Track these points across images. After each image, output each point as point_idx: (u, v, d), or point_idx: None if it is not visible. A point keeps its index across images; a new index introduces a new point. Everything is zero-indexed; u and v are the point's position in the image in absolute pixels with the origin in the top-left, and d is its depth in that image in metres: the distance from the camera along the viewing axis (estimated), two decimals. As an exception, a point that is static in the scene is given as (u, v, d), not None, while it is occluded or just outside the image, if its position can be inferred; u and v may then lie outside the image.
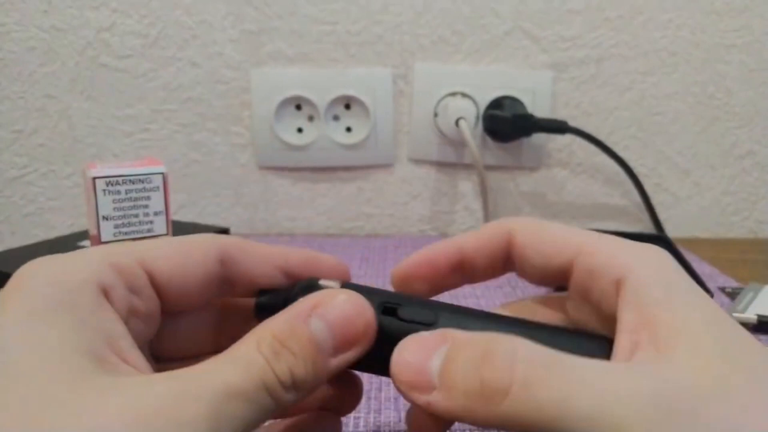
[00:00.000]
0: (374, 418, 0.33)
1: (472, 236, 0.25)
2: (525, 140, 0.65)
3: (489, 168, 0.66)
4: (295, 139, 0.64)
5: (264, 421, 0.19)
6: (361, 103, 0.64)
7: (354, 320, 0.20)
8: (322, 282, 0.23)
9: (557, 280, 0.23)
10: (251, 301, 0.24)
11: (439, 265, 0.24)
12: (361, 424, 0.33)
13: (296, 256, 0.24)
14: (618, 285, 0.20)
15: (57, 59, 0.63)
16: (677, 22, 0.64)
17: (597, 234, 0.23)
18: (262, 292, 0.24)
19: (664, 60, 0.65)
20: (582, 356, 0.18)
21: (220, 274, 0.22)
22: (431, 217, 0.69)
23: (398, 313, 0.22)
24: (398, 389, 0.20)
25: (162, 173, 0.43)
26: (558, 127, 0.61)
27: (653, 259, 0.21)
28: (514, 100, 0.63)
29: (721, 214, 0.69)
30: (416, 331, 0.21)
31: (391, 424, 0.33)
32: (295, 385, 0.19)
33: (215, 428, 0.16)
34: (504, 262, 0.25)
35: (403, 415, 0.33)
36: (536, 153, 0.66)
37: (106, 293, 0.19)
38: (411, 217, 0.69)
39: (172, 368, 0.19)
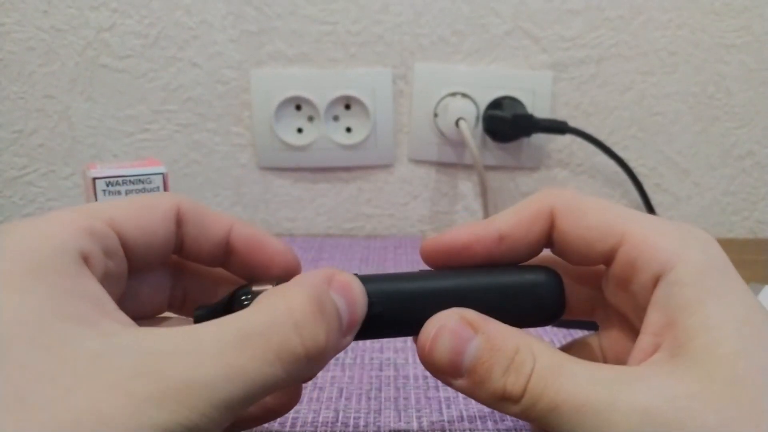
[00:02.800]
0: (374, 418, 0.33)
1: (513, 219, 0.24)
2: (525, 140, 0.65)
3: (489, 168, 0.66)
4: (295, 139, 0.64)
5: (266, 392, 0.18)
6: (361, 104, 0.64)
7: (361, 302, 0.22)
8: (254, 288, 0.23)
9: (596, 264, 0.23)
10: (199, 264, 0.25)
11: (473, 249, 0.24)
12: (361, 424, 0.33)
13: (243, 231, 0.24)
14: (656, 280, 0.20)
15: (57, 59, 0.63)
16: (677, 22, 0.64)
17: (643, 219, 0.22)
18: (198, 307, 0.24)
19: (664, 60, 0.65)
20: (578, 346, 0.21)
21: (176, 235, 0.23)
22: (431, 217, 0.69)
23: None
24: (425, 367, 0.22)
25: (162, 173, 0.43)
26: (558, 127, 0.61)
27: (698, 252, 0.20)
28: (514, 101, 0.63)
29: (721, 214, 0.69)
30: None
31: (391, 424, 0.33)
32: (313, 355, 0.19)
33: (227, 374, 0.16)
34: (543, 244, 0.24)
35: (403, 415, 0.33)
36: (536, 153, 0.66)
37: (86, 259, 0.19)
38: (411, 217, 0.69)
39: None
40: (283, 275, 0.24)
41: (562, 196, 0.23)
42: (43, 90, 0.64)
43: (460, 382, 0.21)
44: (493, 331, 0.21)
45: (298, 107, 0.64)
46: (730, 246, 0.71)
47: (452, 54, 0.64)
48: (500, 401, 0.20)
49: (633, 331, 0.22)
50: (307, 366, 0.19)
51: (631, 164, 0.64)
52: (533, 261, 0.25)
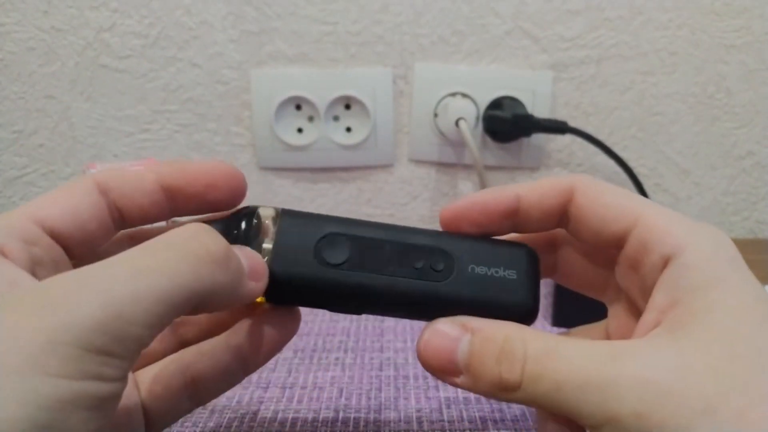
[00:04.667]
0: (374, 417, 0.33)
1: (532, 187, 0.25)
2: (525, 140, 0.65)
3: (489, 168, 0.66)
4: (295, 139, 0.64)
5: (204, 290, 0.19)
6: (361, 104, 0.64)
7: (259, 262, 0.22)
8: (261, 210, 0.24)
9: (609, 245, 0.24)
10: (159, 228, 0.25)
11: (491, 210, 0.24)
12: (362, 424, 0.33)
13: (168, 168, 0.24)
14: (666, 262, 0.21)
15: (57, 60, 0.63)
16: (677, 22, 0.64)
17: (657, 206, 0.23)
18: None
19: (664, 60, 0.65)
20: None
21: (107, 205, 0.23)
22: (431, 217, 0.69)
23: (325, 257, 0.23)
24: (427, 370, 0.22)
25: (162, 173, 0.43)
26: (558, 127, 0.61)
27: (708, 240, 0.21)
28: (514, 101, 0.63)
29: (721, 214, 0.69)
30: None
31: (391, 424, 0.33)
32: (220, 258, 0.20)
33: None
34: (559, 218, 0.25)
35: (403, 415, 0.33)
36: (536, 153, 0.66)
37: (1, 251, 0.20)
38: (411, 217, 0.69)
39: None
40: (234, 195, 0.24)
41: (584, 177, 0.25)
42: (43, 90, 0.64)
43: (461, 379, 0.22)
44: (482, 325, 0.22)
45: (298, 107, 0.64)
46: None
47: (452, 54, 0.64)
48: (501, 391, 0.21)
49: (639, 314, 0.23)
50: (217, 269, 0.19)
51: (631, 164, 0.64)
52: (546, 235, 0.26)
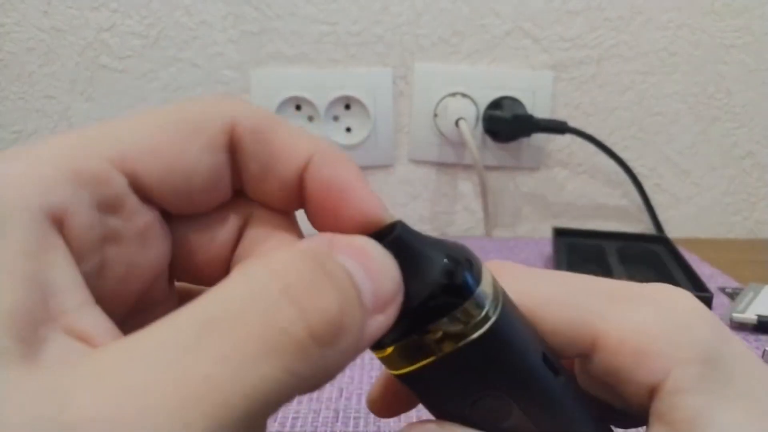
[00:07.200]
0: (374, 418, 0.33)
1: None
2: (525, 140, 0.65)
3: (489, 168, 0.66)
4: (295, 139, 0.64)
5: (267, 410, 0.12)
6: (361, 104, 0.64)
7: (387, 267, 0.15)
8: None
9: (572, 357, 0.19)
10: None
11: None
12: (361, 424, 0.33)
13: (321, 172, 0.17)
14: (651, 392, 0.17)
15: (57, 60, 0.63)
16: (677, 22, 0.64)
17: (614, 312, 0.18)
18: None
19: (664, 60, 0.65)
20: None
21: (229, 165, 0.16)
22: (431, 217, 0.69)
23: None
24: None
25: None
26: (558, 127, 0.61)
27: (691, 348, 0.17)
28: (514, 101, 0.63)
29: (721, 214, 0.69)
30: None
31: (391, 424, 0.33)
32: (323, 334, 0.12)
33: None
34: None
35: (403, 416, 0.33)
36: (536, 153, 0.66)
37: (59, 220, 0.13)
38: (411, 217, 0.69)
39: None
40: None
41: (502, 265, 0.19)
42: (43, 90, 0.64)
43: None
44: None
45: (298, 107, 0.64)
46: (730, 246, 0.71)
47: (452, 54, 0.64)
48: None
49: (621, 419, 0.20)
50: (319, 355, 0.12)
51: (631, 164, 0.64)
52: None
